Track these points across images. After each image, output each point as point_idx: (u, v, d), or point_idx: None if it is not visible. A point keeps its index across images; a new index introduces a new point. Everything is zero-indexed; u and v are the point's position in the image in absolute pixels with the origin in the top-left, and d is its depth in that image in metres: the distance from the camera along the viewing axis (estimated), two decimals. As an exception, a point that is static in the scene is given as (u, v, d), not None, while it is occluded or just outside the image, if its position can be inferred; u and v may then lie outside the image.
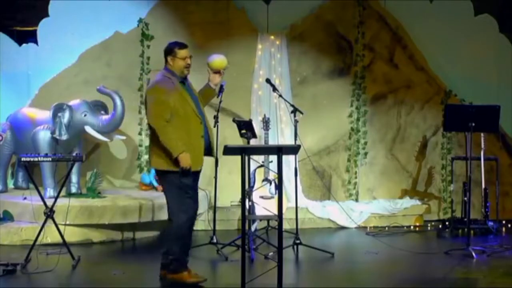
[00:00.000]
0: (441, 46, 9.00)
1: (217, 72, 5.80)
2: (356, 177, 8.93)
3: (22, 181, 8.26)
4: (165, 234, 5.73)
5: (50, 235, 6.81)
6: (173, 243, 5.62)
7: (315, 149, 8.82)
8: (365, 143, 8.95)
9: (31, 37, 8.72)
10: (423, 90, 9.05)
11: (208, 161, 7.80)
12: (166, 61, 5.69)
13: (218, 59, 5.80)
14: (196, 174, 5.67)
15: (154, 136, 5.54)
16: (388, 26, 8.99)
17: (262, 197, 7.32)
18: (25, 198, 7.28)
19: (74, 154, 7.17)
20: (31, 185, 7.12)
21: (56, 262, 6.14)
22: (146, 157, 8.54)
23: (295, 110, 6.95)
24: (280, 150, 5.28)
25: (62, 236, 6.38)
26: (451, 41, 9.02)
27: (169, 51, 5.67)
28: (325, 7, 8.91)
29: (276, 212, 5.28)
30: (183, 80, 5.69)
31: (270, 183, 7.39)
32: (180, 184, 5.51)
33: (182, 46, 5.69)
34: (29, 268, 6.05)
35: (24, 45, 8.68)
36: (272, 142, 8.15)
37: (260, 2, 8.85)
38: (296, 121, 6.94)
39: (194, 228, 8.10)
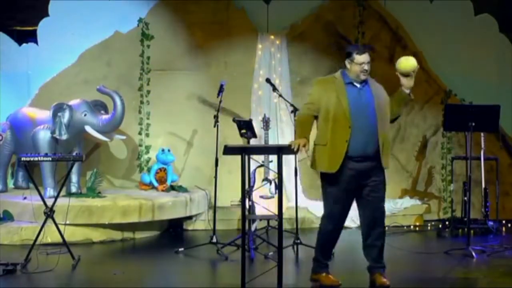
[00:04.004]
0: (441, 46, 8.99)
1: (406, 75, 5.49)
2: (356, 177, 8.91)
3: (22, 181, 8.26)
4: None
5: (50, 235, 6.80)
6: (317, 245, 5.61)
7: (315, 149, 8.80)
8: (365, 143, 8.93)
9: (31, 37, 8.71)
10: (423, 90, 9.02)
11: (209, 160, 7.89)
12: (345, 63, 5.51)
13: (402, 61, 5.51)
14: (337, 177, 5.41)
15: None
16: (388, 26, 8.98)
17: (262, 197, 7.31)
18: (25, 198, 7.27)
19: (74, 154, 7.17)
20: (31, 185, 7.13)
21: (56, 262, 6.13)
22: (146, 157, 8.54)
23: (295, 110, 6.94)
24: (280, 150, 5.28)
25: (62, 236, 6.38)
26: (451, 41, 9.02)
27: (348, 54, 5.46)
28: (325, 7, 8.90)
29: (276, 212, 5.27)
30: (357, 83, 5.43)
31: (270, 183, 7.38)
32: (328, 190, 5.50)
33: (361, 51, 5.42)
34: (29, 268, 6.05)
35: (24, 45, 8.67)
36: (272, 142, 8.13)
37: (260, 2, 8.84)
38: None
39: (194, 228, 8.20)
